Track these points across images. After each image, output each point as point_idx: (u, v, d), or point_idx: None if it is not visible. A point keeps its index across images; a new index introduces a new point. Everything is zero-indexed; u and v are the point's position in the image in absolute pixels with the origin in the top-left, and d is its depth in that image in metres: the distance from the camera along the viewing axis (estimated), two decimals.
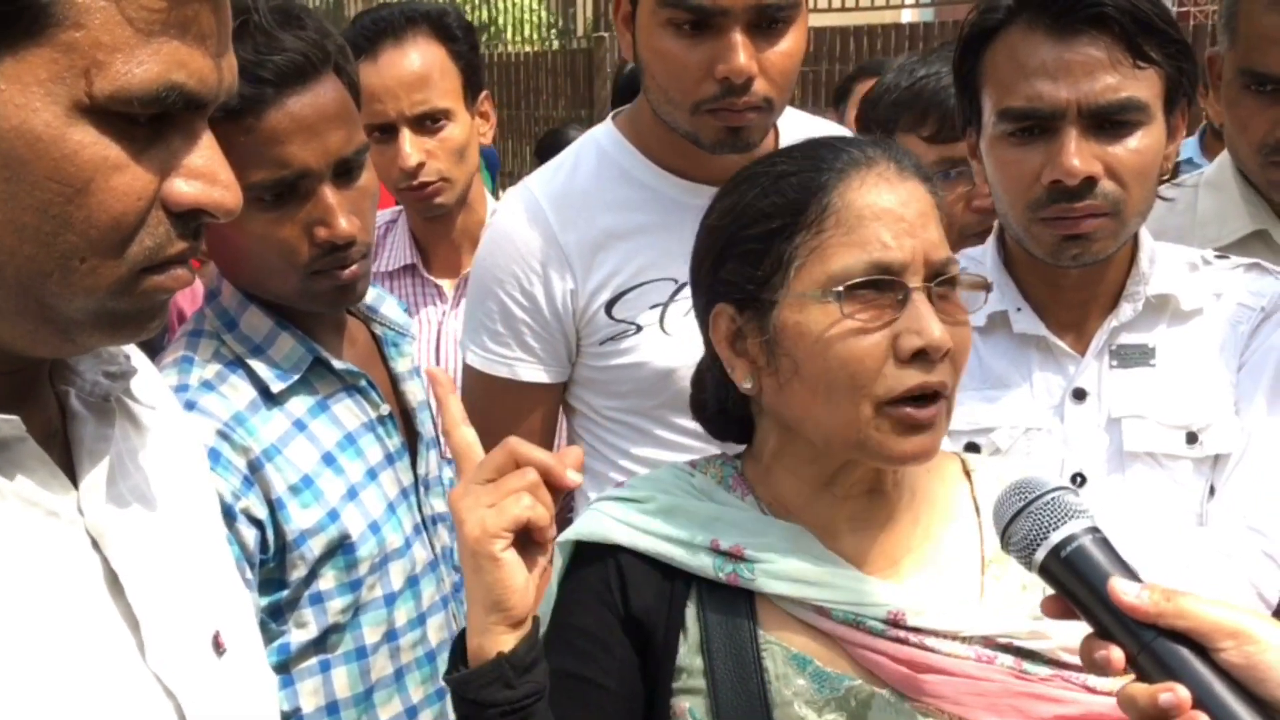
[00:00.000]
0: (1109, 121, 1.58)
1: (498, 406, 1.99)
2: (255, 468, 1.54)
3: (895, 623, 1.22)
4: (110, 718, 0.88)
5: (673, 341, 1.88)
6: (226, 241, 1.60)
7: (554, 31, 13.37)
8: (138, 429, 1.04)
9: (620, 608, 1.28)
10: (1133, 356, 1.68)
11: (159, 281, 0.88)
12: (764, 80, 1.77)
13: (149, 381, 1.10)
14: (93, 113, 0.82)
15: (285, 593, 1.57)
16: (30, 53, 0.80)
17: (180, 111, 0.86)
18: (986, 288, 1.29)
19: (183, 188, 0.87)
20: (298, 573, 1.57)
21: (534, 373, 1.96)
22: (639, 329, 1.89)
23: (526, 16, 13.29)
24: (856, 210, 1.22)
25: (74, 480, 0.93)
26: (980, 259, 1.78)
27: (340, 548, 1.59)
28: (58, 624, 0.87)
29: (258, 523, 1.53)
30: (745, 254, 1.27)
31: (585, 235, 1.90)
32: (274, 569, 1.56)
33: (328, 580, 1.59)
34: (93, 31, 0.81)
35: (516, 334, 1.94)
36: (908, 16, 11.88)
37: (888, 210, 1.22)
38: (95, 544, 0.92)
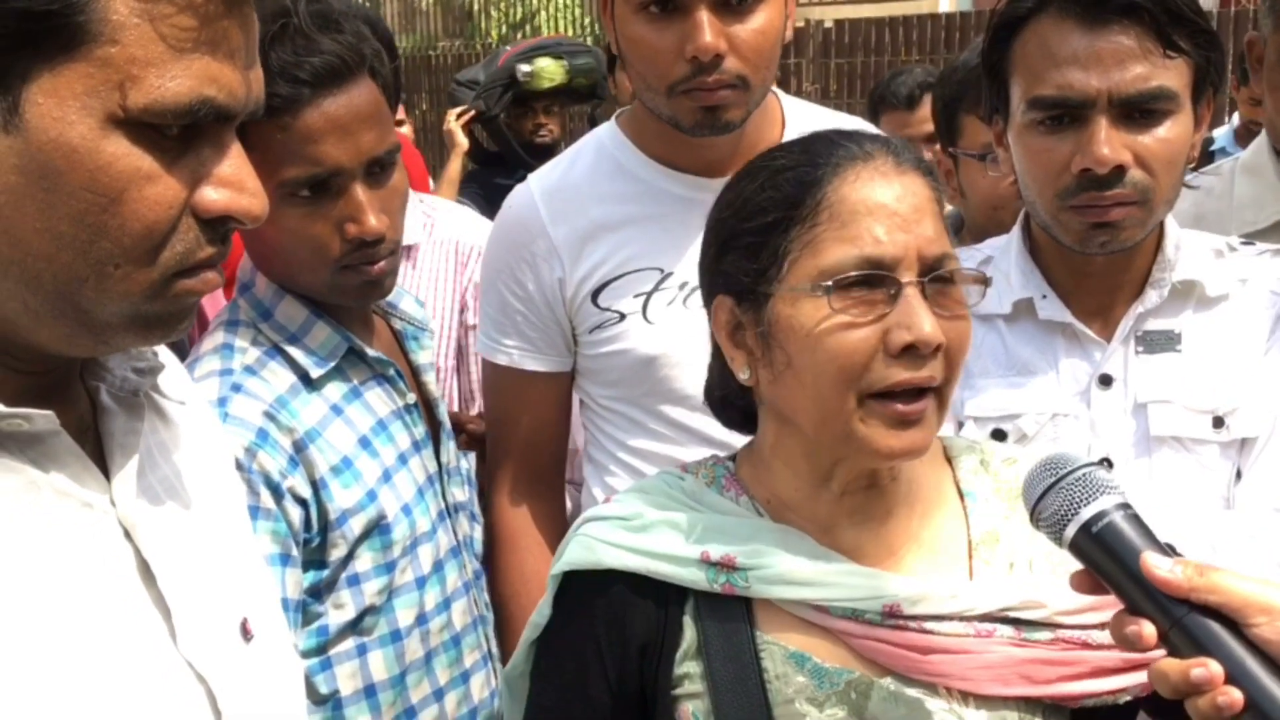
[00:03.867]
0: (1139, 111, 1.59)
1: (507, 395, 2.06)
2: (300, 448, 1.58)
3: (892, 614, 1.23)
4: (143, 703, 0.90)
5: (656, 330, 1.92)
6: (259, 236, 1.64)
7: (590, 26, 13.39)
8: (166, 422, 1.06)
9: (618, 639, 1.29)
10: (1159, 342, 1.69)
11: (190, 285, 0.91)
12: (735, 58, 1.79)
13: (176, 377, 1.13)
14: (126, 125, 0.84)
15: (325, 573, 1.61)
16: (67, 68, 0.82)
17: (210, 123, 0.88)
18: (985, 283, 1.28)
19: (212, 196, 0.89)
20: (338, 552, 1.60)
21: (533, 361, 2.01)
22: (622, 317, 1.93)
23: (562, 13, 13.34)
24: (850, 205, 1.22)
25: (106, 473, 0.95)
26: (1005, 248, 1.79)
27: (377, 528, 1.63)
28: (92, 612, 0.89)
29: (303, 502, 1.57)
30: (744, 247, 1.27)
31: (575, 226, 1.95)
32: (315, 549, 1.60)
33: (364, 561, 1.63)
34: (128, 48, 0.83)
35: (514, 323, 2.01)
36: (945, 6, 11.81)
37: (881, 205, 1.22)
38: (127, 534, 0.94)
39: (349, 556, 1.62)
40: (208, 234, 0.90)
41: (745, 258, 1.27)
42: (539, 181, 2.03)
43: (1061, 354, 1.71)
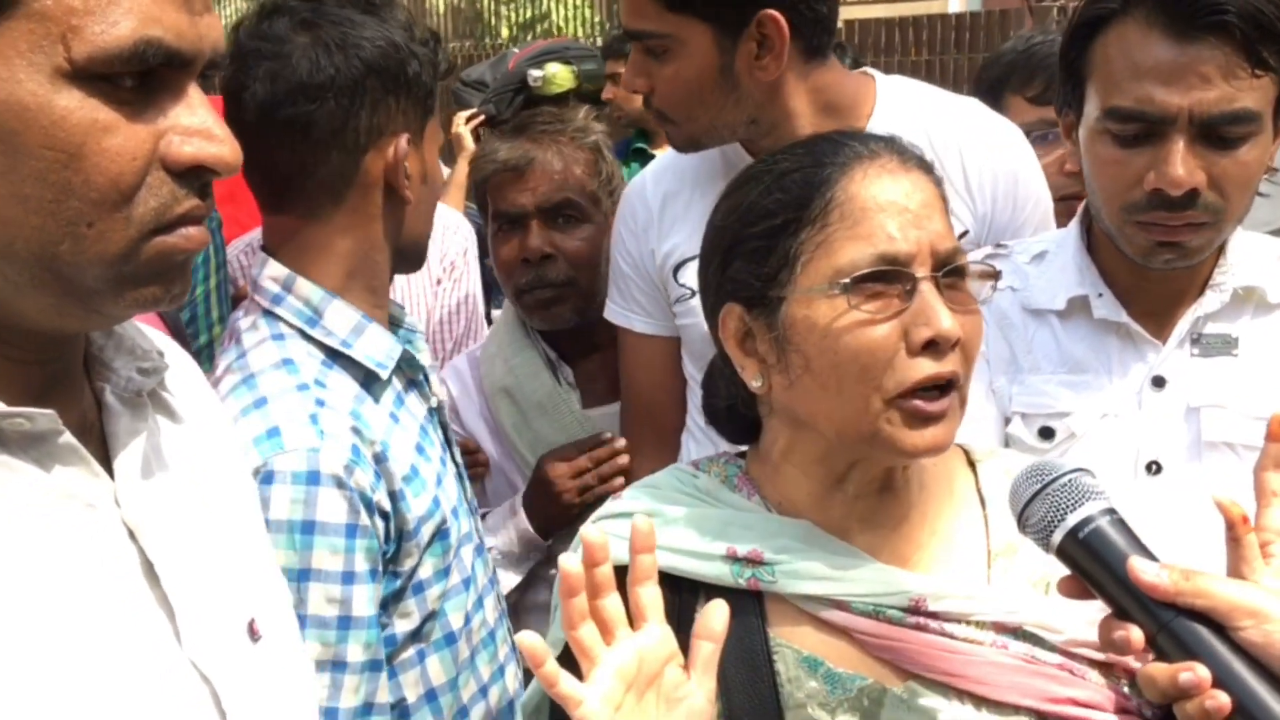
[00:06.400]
0: (1218, 133, 1.53)
1: (629, 356, 2.18)
2: (379, 460, 1.55)
3: (916, 609, 1.22)
4: (147, 702, 0.89)
5: None
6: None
7: (603, 28, 13.37)
8: (173, 423, 1.05)
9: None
10: (1215, 346, 1.66)
11: (171, 243, 0.89)
12: (653, 99, 1.91)
13: (184, 376, 1.12)
14: (76, 78, 0.83)
15: (397, 584, 1.57)
16: (7, 27, 0.81)
17: (165, 70, 0.86)
18: (995, 277, 1.27)
19: (180, 147, 0.88)
20: (410, 561, 1.57)
21: (643, 324, 2.12)
22: (693, 294, 1.96)
23: (574, 15, 13.35)
24: (860, 203, 1.23)
25: (110, 473, 0.94)
26: (1061, 242, 1.77)
27: (438, 533, 1.61)
28: (95, 613, 0.88)
29: (385, 514, 1.54)
30: (751, 252, 1.27)
31: (669, 203, 2.05)
32: (389, 560, 1.56)
33: (427, 568, 1.60)
34: None
35: (628, 289, 2.12)
36: (955, 7, 11.78)
37: (892, 202, 1.22)
38: (131, 534, 0.93)
39: (416, 565, 1.59)
40: (184, 187, 0.89)
41: (753, 263, 1.27)
42: (658, 159, 2.16)
43: (1115, 353, 1.69)
